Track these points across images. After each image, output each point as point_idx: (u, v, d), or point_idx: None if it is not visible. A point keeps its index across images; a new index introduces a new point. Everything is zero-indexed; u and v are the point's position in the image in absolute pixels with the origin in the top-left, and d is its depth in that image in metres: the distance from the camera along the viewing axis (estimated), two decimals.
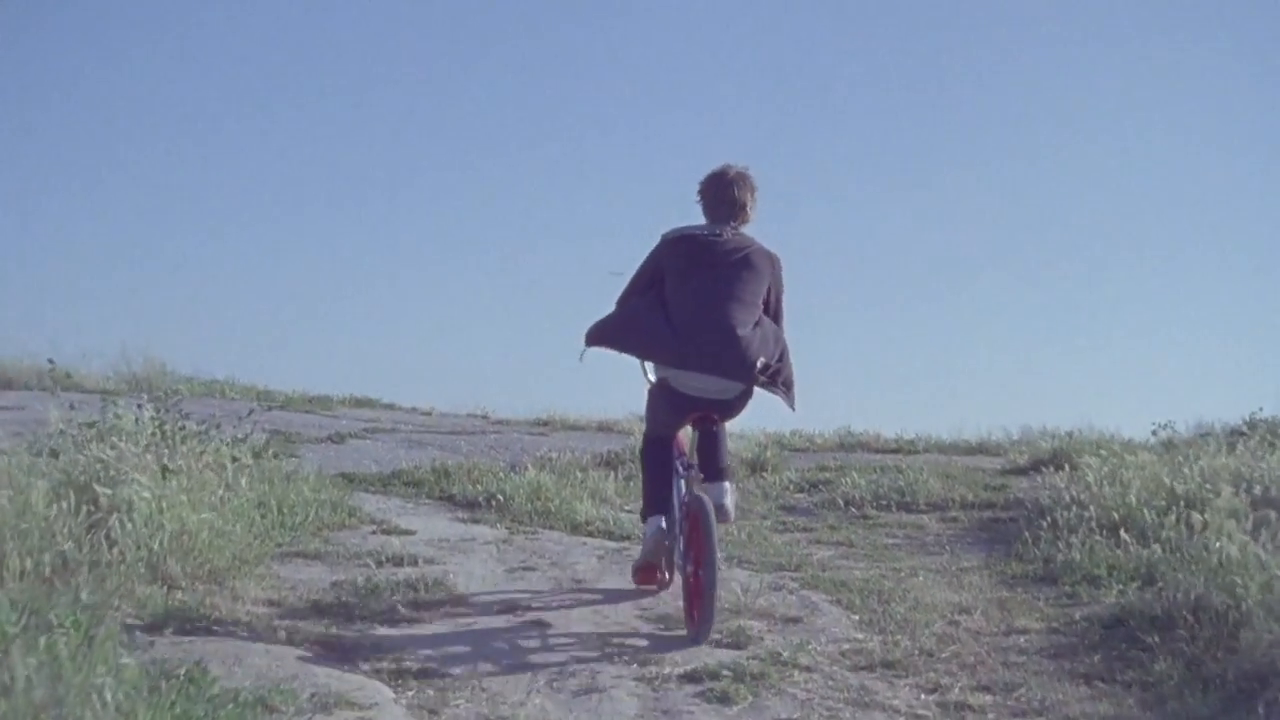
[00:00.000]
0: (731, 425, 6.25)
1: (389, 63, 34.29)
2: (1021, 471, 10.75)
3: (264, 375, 22.15)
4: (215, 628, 5.14)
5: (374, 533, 7.54)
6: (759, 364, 5.56)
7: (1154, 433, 15.60)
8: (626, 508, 9.11)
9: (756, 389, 5.74)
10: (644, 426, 6.37)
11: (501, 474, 9.60)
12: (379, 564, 6.59)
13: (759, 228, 5.95)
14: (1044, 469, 10.45)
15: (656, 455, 6.09)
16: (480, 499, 8.82)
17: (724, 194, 5.81)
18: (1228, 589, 5.32)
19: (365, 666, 4.85)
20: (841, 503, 9.20)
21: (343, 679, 4.60)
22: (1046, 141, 34.69)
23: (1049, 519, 7.66)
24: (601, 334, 5.83)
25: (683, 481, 5.94)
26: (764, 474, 10.61)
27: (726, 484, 5.86)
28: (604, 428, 15.11)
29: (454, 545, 7.29)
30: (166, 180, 32.62)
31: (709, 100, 35.60)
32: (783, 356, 5.74)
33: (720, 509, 5.62)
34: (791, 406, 5.82)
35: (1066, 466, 9.54)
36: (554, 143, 35.60)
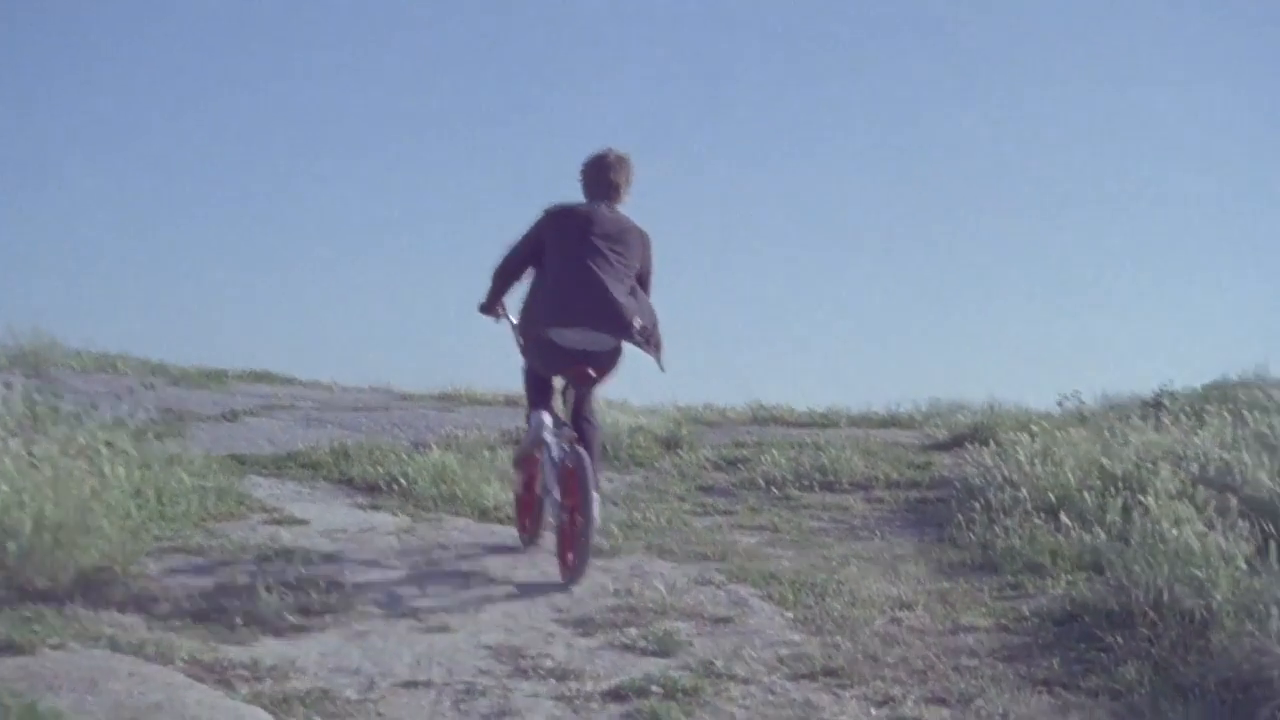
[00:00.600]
0: (642, 400, 6.42)
1: (287, 31, 33.09)
2: (943, 448, 10.32)
3: (160, 349, 21.16)
4: (72, 644, 4.44)
5: (264, 523, 6.85)
6: (635, 323, 5.96)
7: (1060, 404, 15.41)
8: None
9: (629, 348, 6.13)
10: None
11: (404, 454, 8.93)
12: (267, 560, 5.92)
13: (633, 207, 6.29)
14: (966, 445, 10.03)
15: (537, 381, 6.41)
16: (381, 482, 8.15)
17: (602, 176, 6.19)
18: (1191, 584, 4.87)
19: (245, 690, 4.19)
20: (762, 483, 8.67)
21: (217, 708, 3.94)
22: (948, 108, 34.47)
23: (981, 500, 7.20)
24: (489, 304, 6.35)
25: (559, 443, 6.02)
26: (679, 452, 10.06)
27: (594, 495, 5.82)
28: (511, 402, 14.38)
29: (351, 536, 6.63)
30: (61, 144, 31.14)
31: (608, 62, 34.87)
32: (655, 324, 6.15)
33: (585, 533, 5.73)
34: (661, 366, 6.21)
35: (991, 443, 9.11)
36: (455, 113, 34.62)
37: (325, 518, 7.12)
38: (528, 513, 6.53)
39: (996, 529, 6.65)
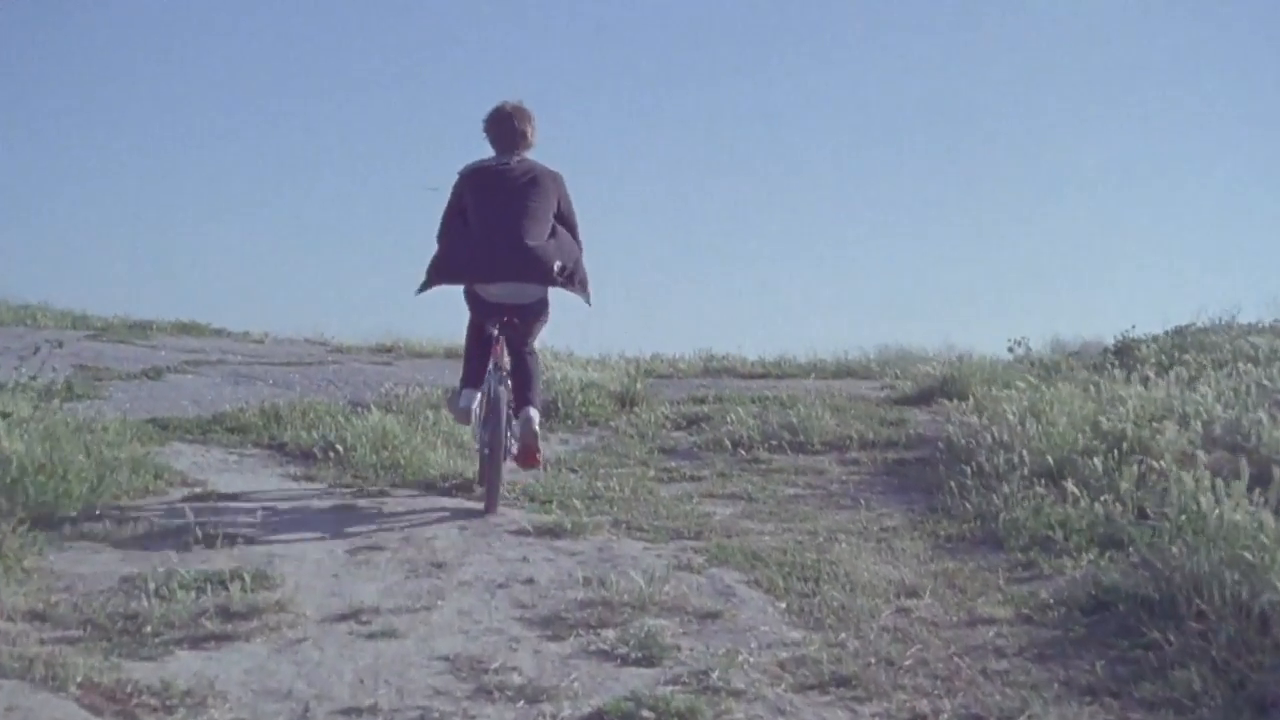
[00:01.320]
0: (587, 350, 6.85)
1: None
2: (912, 402, 9.69)
3: (84, 299, 20.11)
4: None
5: (185, 500, 6.04)
6: (555, 267, 6.12)
7: (1010, 349, 14.91)
8: None
9: (557, 292, 6.33)
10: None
11: (341, 416, 8.13)
12: (186, 548, 5.13)
13: (542, 150, 6.44)
14: (938, 399, 9.42)
15: (475, 335, 6.50)
16: (317, 449, 7.36)
17: (505, 126, 6.32)
18: (1242, 567, 4.22)
19: None
20: (729, 444, 7.97)
21: None
22: (888, 49, 33.76)
23: (972, 464, 6.54)
24: (432, 276, 6.32)
25: (493, 386, 6.16)
26: (634, 409, 9.34)
27: (532, 410, 6.29)
28: (452, 354, 13.62)
29: (283, 515, 5.84)
30: None
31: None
32: (576, 262, 6.32)
33: (526, 440, 6.24)
34: (588, 302, 6.39)
35: (971, 398, 8.48)
36: (389, 61, 33.41)
37: (254, 492, 6.32)
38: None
39: (994, 497, 6.00)
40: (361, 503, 6.21)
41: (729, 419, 8.50)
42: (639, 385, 9.65)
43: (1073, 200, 31.88)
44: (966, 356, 14.45)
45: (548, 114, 6.29)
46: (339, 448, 7.21)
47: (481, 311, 6.34)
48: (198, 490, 6.23)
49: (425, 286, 6.32)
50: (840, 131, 34.16)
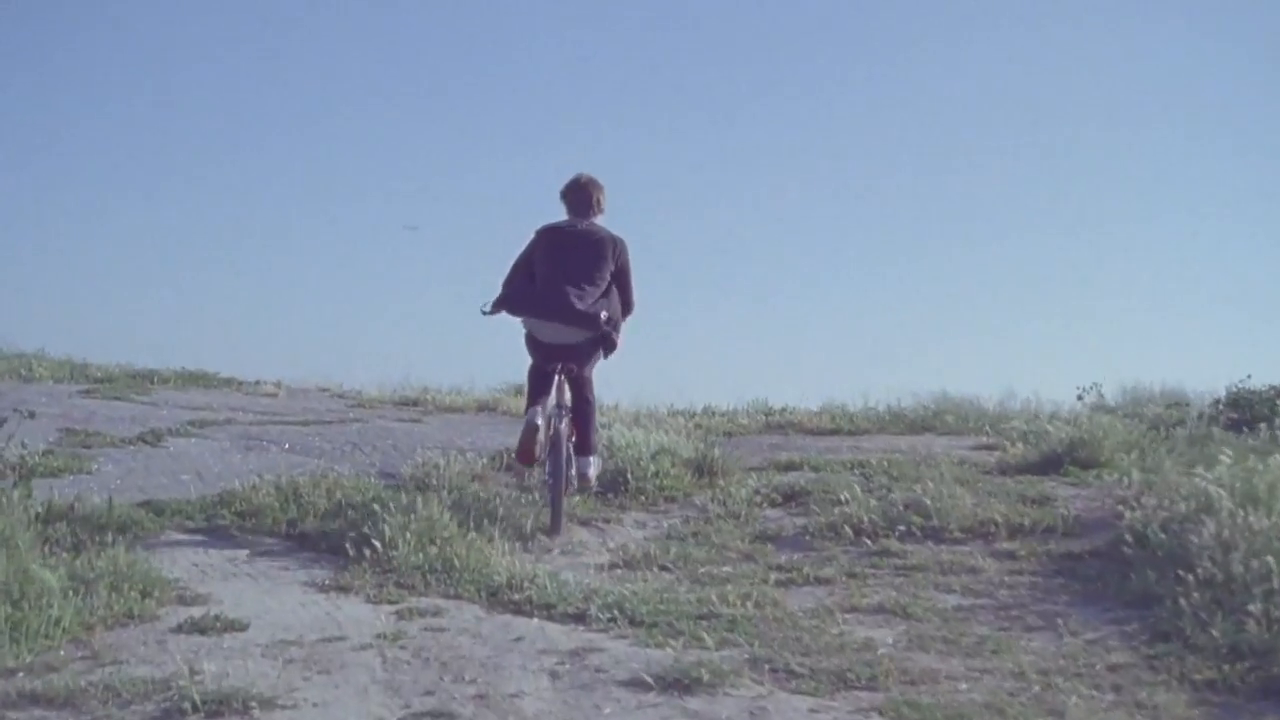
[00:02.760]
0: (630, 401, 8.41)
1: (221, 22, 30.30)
2: (1034, 469, 8.04)
3: (85, 347, 18.62)
4: None
5: (179, 629, 4.46)
6: (602, 316, 6.70)
7: (1080, 397, 13.38)
8: (564, 551, 6.24)
9: (601, 344, 6.88)
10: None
11: (374, 496, 6.56)
12: (181, 715, 3.55)
13: (611, 218, 7.08)
14: (1067, 467, 7.84)
15: (536, 374, 6.99)
16: (348, 541, 5.80)
17: (580, 195, 7.00)
18: None
19: None
20: (848, 530, 6.37)
21: None
22: (959, 104, 32.32)
23: (1196, 571, 4.93)
24: (497, 303, 6.85)
25: (556, 420, 6.74)
26: (716, 480, 7.73)
27: (591, 458, 7.00)
28: (485, 408, 12.11)
29: (310, 653, 4.25)
30: None
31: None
32: (615, 325, 6.87)
33: (583, 477, 6.92)
34: (605, 353, 6.94)
35: (1114, 468, 6.91)
36: (410, 103, 32.03)
37: (271, 614, 4.74)
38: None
39: (1249, 622, 4.40)
40: (412, 627, 4.62)
41: (842, 497, 6.90)
42: (715, 452, 8.04)
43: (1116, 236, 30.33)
44: (1038, 406, 13.05)
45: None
46: (376, 544, 5.64)
47: (539, 354, 6.91)
48: (196, 614, 4.63)
49: (492, 309, 6.87)
50: (850, 165, 32.69)
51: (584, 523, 6.81)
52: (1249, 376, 10.77)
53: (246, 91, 30.91)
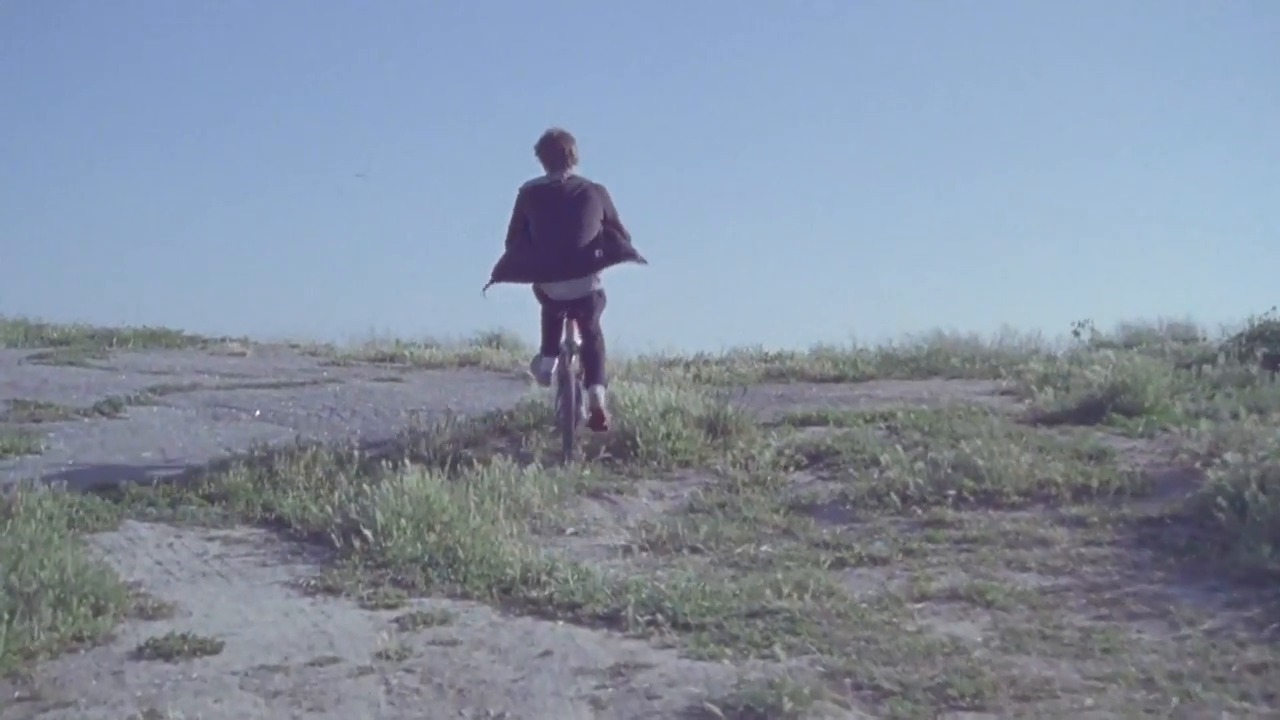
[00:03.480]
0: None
1: None
2: (1071, 418, 7.28)
3: (43, 306, 17.64)
4: None
5: (141, 654, 3.68)
6: (596, 256, 6.92)
7: (1075, 333, 12.80)
8: (578, 531, 5.48)
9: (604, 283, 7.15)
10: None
11: (360, 472, 5.79)
12: None
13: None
14: (1110, 414, 7.12)
15: (547, 319, 7.12)
16: (332, 527, 5.02)
17: (554, 149, 7.07)
18: None
19: None
20: (894, 498, 5.64)
21: None
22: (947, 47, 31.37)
23: None
24: (498, 274, 7.04)
25: (565, 358, 6.92)
26: (732, 440, 6.97)
27: (599, 388, 6.99)
28: (467, 362, 11.31)
29: (299, 683, 3.47)
30: None
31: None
32: (618, 245, 7.00)
33: (596, 411, 6.91)
34: (640, 260, 7.04)
35: (1205, 422, 6.19)
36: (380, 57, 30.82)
37: (249, 628, 3.96)
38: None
39: None
40: (418, 638, 3.85)
41: (881, 458, 6.17)
42: (728, 409, 7.28)
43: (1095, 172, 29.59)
44: (1039, 343, 12.40)
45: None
46: (366, 532, 4.86)
47: (550, 307, 7.07)
48: (160, 632, 3.83)
49: (491, 283, 7.03)
50: (819, 113, 31.79)
51: (594, 494, 6.05)
52: (1275, 309, 10.09)
53: (208, 53, 29.63)
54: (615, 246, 6.96)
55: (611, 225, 7.01)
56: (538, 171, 7.07)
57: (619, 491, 6.10)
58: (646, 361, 11.22)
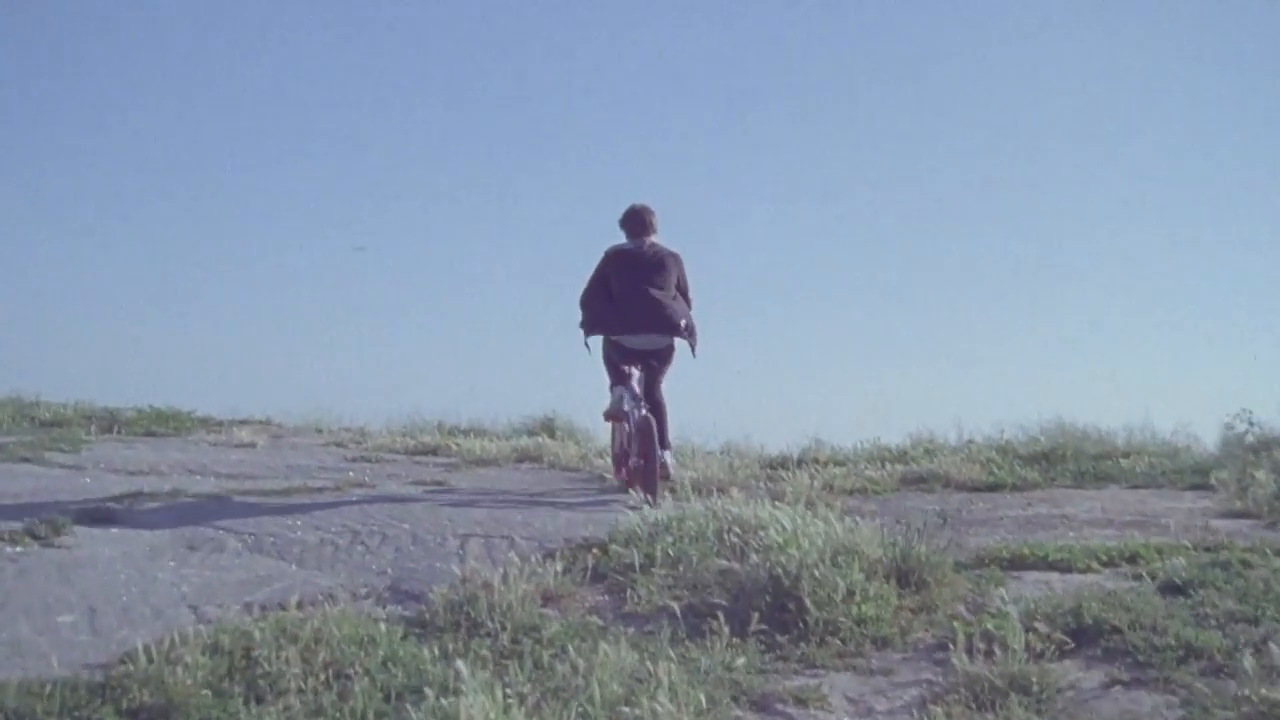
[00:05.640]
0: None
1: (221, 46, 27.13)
2: None
3: (87, 388, 15.52)
4: None
5: None
6: (681, 323, 7.37)
7: (1229, 428, 10.57)
8: None
9: (677, 341, 7.47)
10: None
11: (382, 642, 3.41)
12: None
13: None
14: None
15: (611, 362, 7.42)
16: None
17: (637, 220, 7.63)
18: None
19: None
20: None
21: None
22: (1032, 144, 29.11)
23: None
24: (590, 327, 7.47)
25: (636, 410, 7.12)
26: (934, 597, 4.52)
27: (667, 454, 7.37)
28: (526, 457, 8.95)
29: None
30: None
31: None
32: (691, 324, 7.47)
33: (663, 465, 7.12)
34: (694, 352, 7.52)
35: None
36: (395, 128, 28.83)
37: None
38: (623, 463, 7.38)
39: None
40: None
41: (1194, 643, 3.72)
42: (922, 547, 4.87)
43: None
44: (1182, 437, 10.01)
45: None
46: None
47: (623, 357, 7.39)
48: None
49: (589, 334, 7.49)
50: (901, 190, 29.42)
51: (761, 705, 3.62)
52: None
53: (214, 114, 27.71)
54: (691, 324, 7.45)
55: (682, 291, 7.59)
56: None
57: (800, 701, 3.65)
58: (737, 454, 8.89)
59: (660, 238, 7.65)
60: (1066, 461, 8.83)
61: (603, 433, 8.49)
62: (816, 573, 4.43)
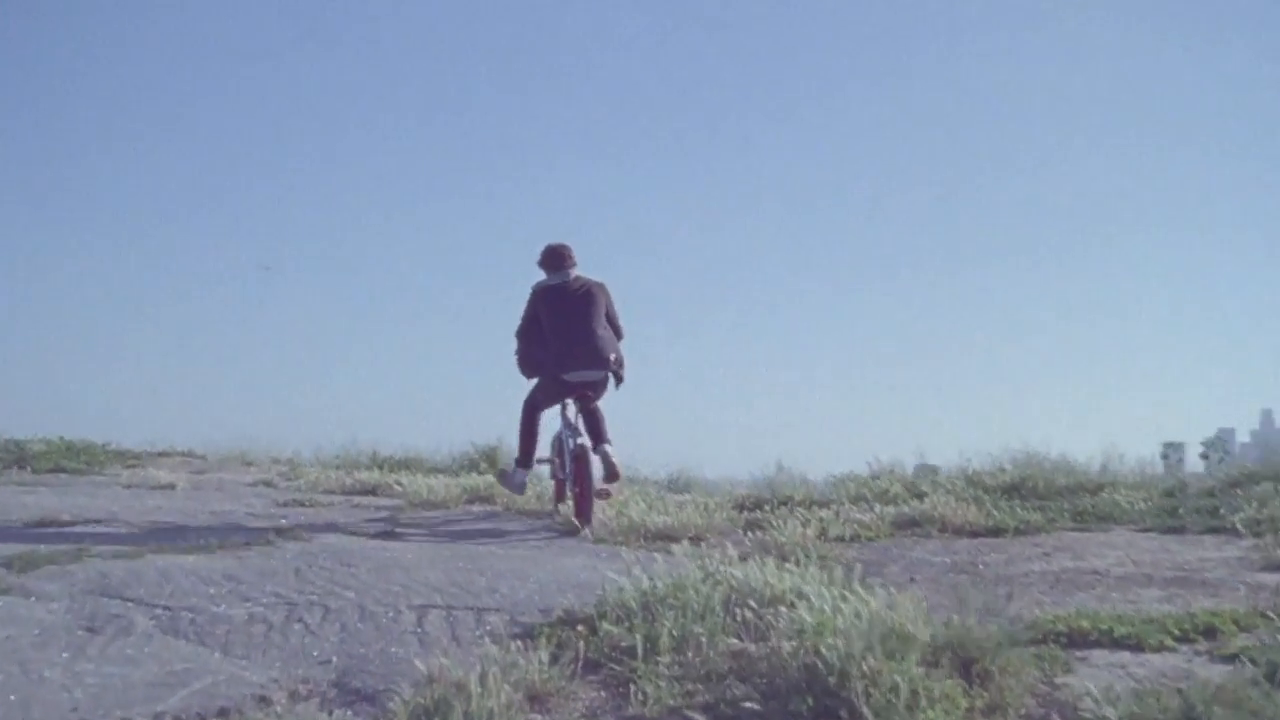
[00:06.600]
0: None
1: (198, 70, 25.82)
2: None
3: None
4: None
5: None
6: (611, 357, 7.46)
7: (1164, 456, 10.60)
8: None
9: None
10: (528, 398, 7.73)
11: None
12: None
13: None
14: None
15: (532, 421, 7.65)
16: None
17: (555, 257, 7.67)
18: None
19: None
20: None
21: None
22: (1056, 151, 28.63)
23: None
24: (528, 370, 7.59)
25: (571, 440, 7.34)
26: (1001, 693, 3.69)
27: (608, 446, 7.29)
28: (477, 498, 8.02)
29: None
30: None
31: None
32: (618, 350, 7.56)
33: (610, 466, 7.25)
34: (619, 383, 7.56)
35: None
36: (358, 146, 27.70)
37: None
38: (560, 492, 7.75)
39: None
40: None
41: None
42: (975, 628, 4.03)
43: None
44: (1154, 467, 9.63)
45: None
46: None
47: (559, 391, 7.51)
48: None
49: (530, 377, 7.63)
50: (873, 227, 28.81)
51: None
52: None
53: (168, 148, 26.41)
54: (620, 357, 7.55)
55: (611, 320, 7.62)
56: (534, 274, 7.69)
57: None
58: (700, 490, 8.09)
59: (581, 269, 7.65)
60: (1039, 494, 8.26)
61: (546, 466, 8.01)
62: (866, 666, 3.57)
